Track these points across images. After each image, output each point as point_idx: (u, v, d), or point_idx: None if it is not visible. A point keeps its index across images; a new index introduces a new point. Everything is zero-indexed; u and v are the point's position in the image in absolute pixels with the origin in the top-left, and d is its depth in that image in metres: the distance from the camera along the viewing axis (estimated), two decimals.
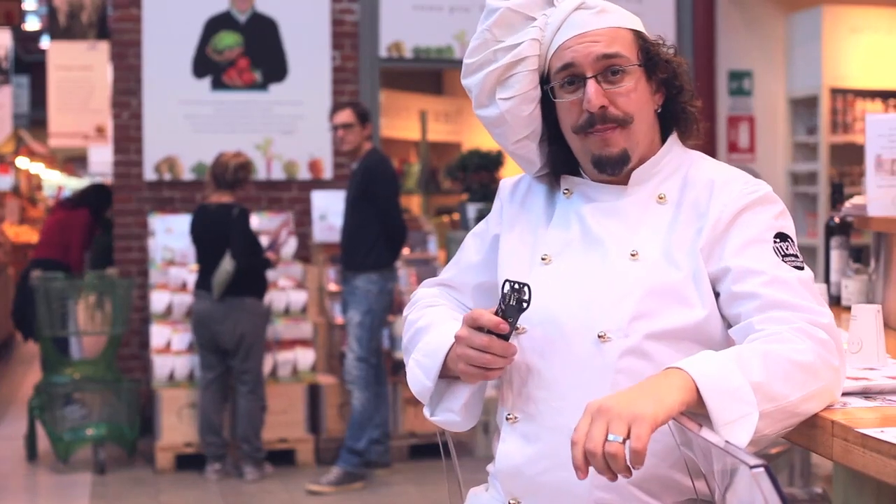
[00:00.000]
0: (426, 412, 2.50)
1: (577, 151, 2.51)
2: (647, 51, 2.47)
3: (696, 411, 2.07)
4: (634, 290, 2.35)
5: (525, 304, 2.25)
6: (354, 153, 7.51)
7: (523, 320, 2.35)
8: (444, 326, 2.49)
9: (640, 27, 2.51)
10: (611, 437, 1.97)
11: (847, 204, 4.20)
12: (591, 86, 2.41)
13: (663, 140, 2.54)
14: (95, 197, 10.30)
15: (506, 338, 2.29)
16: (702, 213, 2.39)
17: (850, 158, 10.14)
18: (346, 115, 7.44)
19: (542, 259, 2.48)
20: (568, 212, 2.53)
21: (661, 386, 2.07)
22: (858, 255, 4.33)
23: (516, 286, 2.25)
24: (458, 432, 2.55)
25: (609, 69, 2.42)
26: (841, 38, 10.22)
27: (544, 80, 2.51)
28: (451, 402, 2.46)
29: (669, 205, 2.45)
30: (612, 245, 2.42)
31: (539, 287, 2.38)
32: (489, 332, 2.29)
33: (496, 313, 2.28)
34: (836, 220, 4.31)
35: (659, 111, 2.52)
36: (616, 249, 2.42)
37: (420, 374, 2.48)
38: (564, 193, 2.56)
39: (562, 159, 2.56)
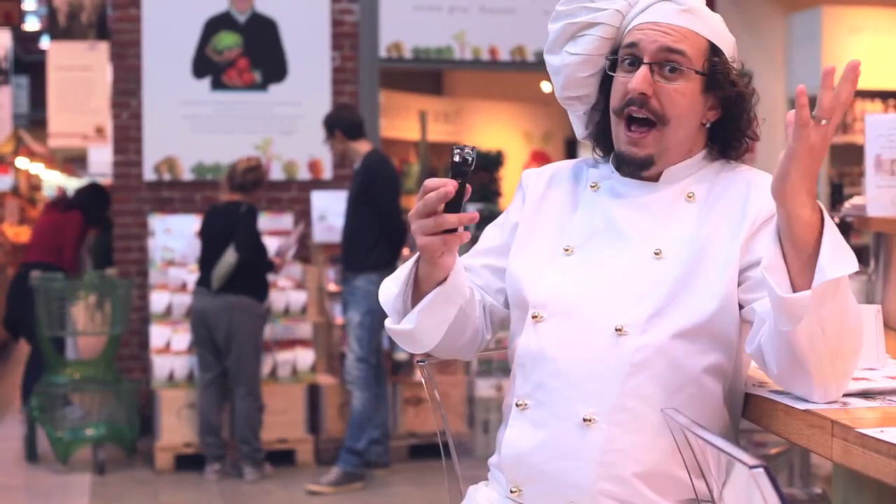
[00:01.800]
0: (387, 322, 2.51)
1: (613, 134, 2.54)
2: (715, 65, 2.47)
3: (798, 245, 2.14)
4: (655, 290, 2.38)
5: (469, 160, 2.28)
6: (348, 157, 7.61)
7: (541, 308, 2.40)
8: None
9: (722, 44, 2.50)
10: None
11: (847, 204, 4.20)
12: (642, 70, 2.44)
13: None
14: (89, 199, 10.28)
15: (458, 200, 2.31)
16: (737, 215, 2.42)
17: (849, 159, 10.13)
18: (324, 133, 7.58)
19: (565, 250, 2.50)
20: (594, 204, 2.55)
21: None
22: (858, 256, 4.32)
23: (460, 146, 2.29)
24: (458, 433, 2.55)
25: (668, 63, 2.44)
26: (840, 38, 10.22)
27: (614, 52, 2.54)
28: (413, 312, 2.46)
29: (697, 203, 2.48)
30: (637, 240, 2.45)
31: (560, 277, 2.43)
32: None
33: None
34: (836, 220, 4.30)
35: (708, 126, 2.53)
36: (640, 246, 2.45)
37: (390, 283, 2.52)
38: (592, 187, 2.58)
39: (605, 135, 2.59)
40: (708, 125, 2.53)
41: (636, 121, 2.46)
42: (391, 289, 2.50)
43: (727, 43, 2.52)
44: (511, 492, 2.45)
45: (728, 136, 2.54)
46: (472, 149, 2.29)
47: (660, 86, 2.44)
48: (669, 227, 2.46)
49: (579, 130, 2.70)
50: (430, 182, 2.30)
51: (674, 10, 2.47)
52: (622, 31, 2.53)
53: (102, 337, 8.24)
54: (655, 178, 2.51)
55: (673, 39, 2.44)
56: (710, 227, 2.43)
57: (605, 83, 2.56)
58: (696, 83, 2.46)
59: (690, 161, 2.52)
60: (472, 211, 2.35)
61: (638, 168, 2.49)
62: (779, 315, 2.16)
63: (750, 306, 2.35)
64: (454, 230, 2.32)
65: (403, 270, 2.48)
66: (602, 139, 2.61)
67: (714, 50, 2.48)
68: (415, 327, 2.45)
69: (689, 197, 2.48)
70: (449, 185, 2.27)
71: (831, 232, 2.14)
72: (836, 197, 4.54)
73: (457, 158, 2.28)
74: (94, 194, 10.24)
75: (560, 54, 2.60)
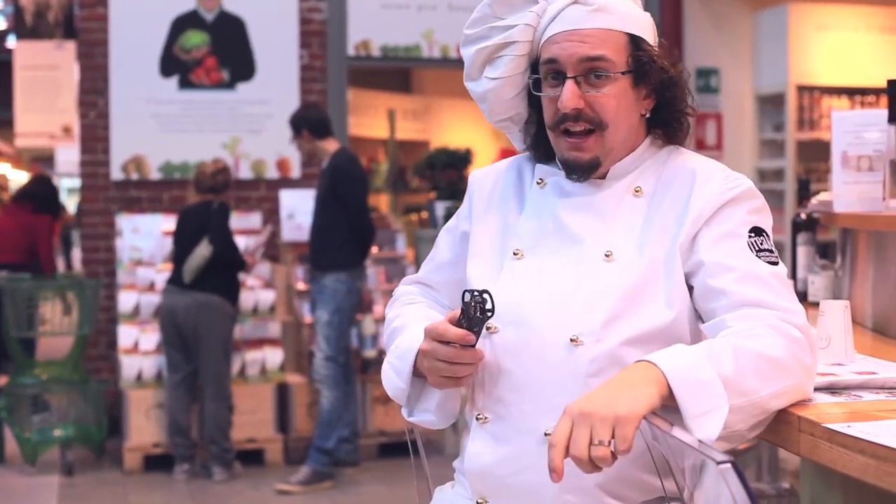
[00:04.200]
0: (404, 412, 2.49)
1: (553, 146, 2.50)
2: (640, 58, 2.42)
3: (668, 404, 2.06)
4: (608, 294, 2.33)
5: (489, 314, 2.24)
6: (316, 157, 7.63)
7: (495, 319, 2.33)
8: (415, 328, 2.47)
9: (641, 29, 2.45)
10: (597, 441, 1.97)
11: (814, 200, 4.21)
12: (569, 86, 2.38)
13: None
14: (47, 195, 10.23)
15: (472, 346, 2.29)
16: (681, 209, 2.38)
17: (816, 155, 10.20)
18: (291, 133, 7.56)
19: (514, 253, 2.46)
20: (541, 203, 2.51)
21: (635, 382, 2.05)
22: (825, 251, 4.35)
23: (477, 295, 2.24)
24: (426, 430, 2.54)
25: (592, 71, 2.39)
26: (807, 35, 10.28)
27: (535, 67, 2.49)
28: (427, 402, 2.45)
29: (645, 197, 2.44)
30: (587, 243, 2.41)
31: (511, 283, 2.39)
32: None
33: (459, 321, 2.27)
34: (803, 216, 4.33)
35: (647, 115, 2.49)
36: (591, 248, 2.40)
37: (394, 376, 2.47)
38: (538, 183, 2.54)
39: (545, 145, 2.54)
40: (647, 115, 2.49)
41: (575, 133, 2.42)
42: (396, 383, 2.46)
43: (646, 27, 2.46)
44: (477, 503, 2.44)
45: (667, 119, 2.50)
46: (491, 296, 2.24)
47: (590, 96, 2.39)
48: (618, 226, 2.42)
49: (519, 146, 2.65)
50: (447, 332, 2.28)
51: (584, 12, 2.41)
52: (537, 44, 2.48)
53: (68, 337, 8.21)
54: (602, 175, 2.47)
55: (591, 47, 2.38)
56: (659, 223, 2.39)
57: (533, 97, 2.51)
58: (626, 81, 2.41)
59: (635, 154, 2.48)
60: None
61: (587, 171, 2.44)
62: None
63: (701, 327, 2.33)
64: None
65: (404, 362, 2.44)
66: (543, 149, 2.56)
67: (635, 41, 2.43)
68: (436, 419, 2.47)
69: (637, 191, 2.44)
70: (468, 338, 2.26)
71: (680, 390, 2.05)
72: (803, 193, 4.55)
73: (477, 313, 2.24)
74: (48, 188, 10.22)
75: (481, 80, 2.55)
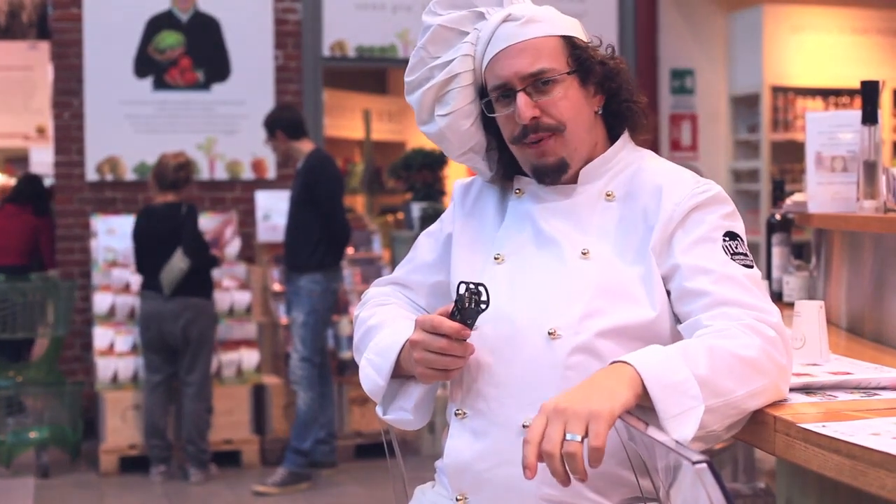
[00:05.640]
0: (378, 411, 2.50)
1: (519, 160, 2.54)
2: (578, 56, 2.47)
3: (644, 404, 2.07)
4: (586, 289, 2.36)
5: (484, 306, 2.25)
6: (291, 158, 7.64)
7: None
8: (396, 325, 2.50)
9: (572, 31, 2.50)
10: (569, 436, 1.97)
11: (788, 201, 4.23)
12: (521, 98, 2.43)
13: (613, 138, 2.56)
14: (43, 194, 10.17)
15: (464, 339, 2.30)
16: (652, 212, 2.40)
17: (791, 156, 10.23)
18: (266, 134, 7.55)
19: (496, 259, 2.49)
20: (519, 212, 2.55)
21: (610, 381, 2.07)
22: (800, 252, 4.37)
23: (472, 287, 2.25)
24: (403, 431, 2.55)
25: (538, 80, 2.44)
26: (782, 36, 10.32)
27: (483, 93, 2.53)
28: (404, 401, 2.46)
29: (617, 202, 2.47)
30: (564, 244, 2.44)
31: (492, 285, 2.39)
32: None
33: (452, 315, 2.27)
34: (778, 216, 4.34)
35: (600, 112, 2.53)
36: (568, 249, 2.43)
37: (372, 372, 2.47)
38: (516, 193, 2.58)
39: (513, 165, 2.58)
40: (600, 111, 2.53)
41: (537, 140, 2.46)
42: (375, 380, 2.47)
43: (575, 28, 2.52)
44: (457, 500, 2.44)
45: (619, 110, 2.55)
46: (486, 290, 2.25)
47: (543, 102, 2.44)
48: (593, 228, 2.45)
49: (486, 175, 2.67)
50: (443, 324, 2.28)
51: (516, 27, 2.46)
52: (479, 71, 2.52)
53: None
54: (574, 180, 2.51)
55: (529, 61, 2.44)
56: (631, 226, 2.43)
57: (489, 122, 2.55)
58: (572, 81, 2.46)
59: (604, 157, 2.51)
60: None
61: (557, 173, 2.48)
62: None
63: (678, 327, 2.35)
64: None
65: (385, 359, 2.45)
66: (512, 168, 2.59)
67: (570, 42, 2.48)
68: (412, 418, 2.47)
69: (609, 196, 2.48)
70: (464, 332, 2.27)
71: (655, 390, 2.07)
72: (778, 194, 4.57)
73: (471, 305, 2.25)
74: (42, 188, 10.15)
75: (434, 122, 2.58)
